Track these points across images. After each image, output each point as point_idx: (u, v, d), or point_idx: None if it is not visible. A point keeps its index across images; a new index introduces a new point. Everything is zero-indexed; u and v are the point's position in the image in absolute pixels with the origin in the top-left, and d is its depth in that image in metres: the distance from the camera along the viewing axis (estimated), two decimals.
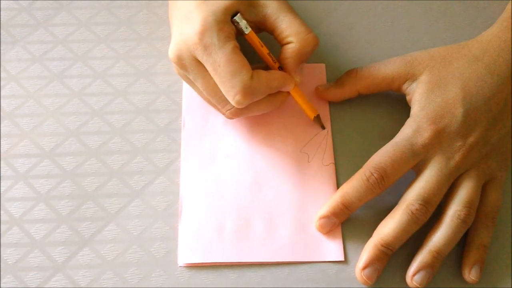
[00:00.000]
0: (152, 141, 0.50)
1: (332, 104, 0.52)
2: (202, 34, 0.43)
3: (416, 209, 0.44)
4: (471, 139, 0.45)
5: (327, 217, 0.46)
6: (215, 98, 0.46)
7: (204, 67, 0.45)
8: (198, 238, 0.46)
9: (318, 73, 0.53)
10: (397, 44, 0.55)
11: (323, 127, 0.50)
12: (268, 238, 0.46)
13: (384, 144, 0.46)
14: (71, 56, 0.54)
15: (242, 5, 0.46)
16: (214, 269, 0.46)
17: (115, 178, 0.49)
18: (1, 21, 0.56)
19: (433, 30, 0.56)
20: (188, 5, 0.45)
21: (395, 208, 0.45)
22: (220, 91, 0.45)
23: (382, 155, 0.45)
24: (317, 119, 0.50)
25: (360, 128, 0.51)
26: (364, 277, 0.44)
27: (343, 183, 0.47)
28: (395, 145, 0.45)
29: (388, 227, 0.44)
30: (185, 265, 0.46)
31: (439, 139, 0.45)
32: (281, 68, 0.48)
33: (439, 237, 0.44)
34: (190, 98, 0.52)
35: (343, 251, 0.46)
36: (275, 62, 0.48)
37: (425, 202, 0.44)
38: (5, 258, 0.46)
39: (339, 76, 0.51)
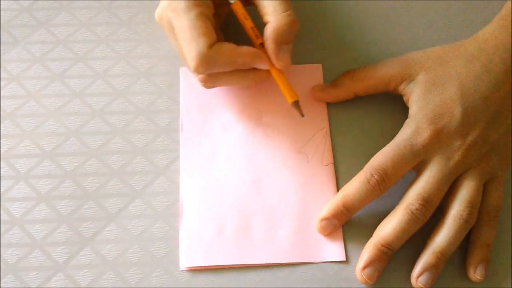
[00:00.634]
0: (152, 141, 0.50)
1: (330, 103, 0.52)
2: None
3: (416, 209, 0.44)
4: (470, 138, 0.45)
5: (328, 219, 0.46)
6: (184, 62, 0.47)
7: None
8: (199, 241, 0.46)
9: (314, 73, 0.53)
10: (396, 44, 0.55)
11: (302, 115, 0.48)
12: (268, 239, 0.46)
13: (383, 144, 0.46)
14: (71, 56, 0.54)
15: None
16: (214, 269, 0.46)
17: (116, 178, 0.49)
18: (2, 22, 0.56)
19: (432, 30, 0.56)
20: None
21: (395, 208, 0.45)
22: None
23: (383, 157, 0.45)
24: (296, 105, 0.48)
25: (359, 128, 0.51)
26: (364, 277, 0.44)
27: (342, 183, 0.47)
28: (395, 146, 0.45)
29: (388, 227, 0.44)
30: (187, 269, 0.46)
31: (438, 139, 0.45)
32: (262, 46, 0.47)
33: (442, 238, 0.44)
34: (188, 100, 0.52)
35: (344, 251, 0.46)
36: (257, 38, 0.47)
37: (425, 201, 0.44)
38: (5, 258, 0.46)
39: (336, 76, 0.51)
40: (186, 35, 0.44)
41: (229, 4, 0.47)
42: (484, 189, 0.46)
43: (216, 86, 0.49)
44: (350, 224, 0.47)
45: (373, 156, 0.46)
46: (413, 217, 0.44)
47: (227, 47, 0.45)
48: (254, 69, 0.47)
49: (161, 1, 0.47)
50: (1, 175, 0.49)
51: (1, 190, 0.48)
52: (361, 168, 0.46)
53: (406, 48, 0.54)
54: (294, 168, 0.49)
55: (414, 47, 0.54)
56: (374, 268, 0.44)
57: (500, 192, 0.47)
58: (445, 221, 0.45)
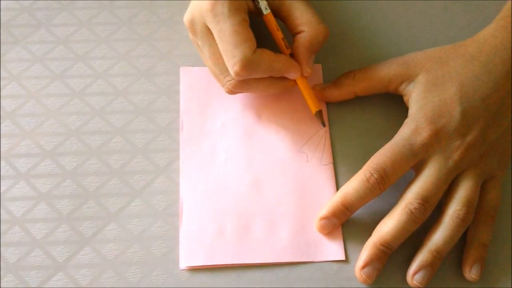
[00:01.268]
0: (152, 140, 0.51)
1: (330, 103, 0.52)
2: (215, 2, 0.45)
3: (415, 208, 0.44)
4: (469, 138, 0.45)
5: (327, 218, 0.46)
6: (218, 67, 0.47)
7: (212, 35, 0.46)
8: (199, 241, 0.46)
9: (314, 73, 0.53)
10: (396, 44, 0.55)
11: (323, 124, 0.50)
12: (269, 239, 0.46)
13: (382, 144, 0.46)
14: (72, 56, 0.54)
15: None
16: (214, 268, 0.46)
17: (116, 178, 0.49)
18: (2, 21, 0.56)
19: (432, 30, 0.56)
20: None
21: (394, 208, 0.45)
22: (223, 61, 0.46)
23: (382, 156, 0.45)
24: (319, 115, 0.50)
25: (359, 128, 0.51)
26: (363, 276, 0.44)
27: (342, 183, 0.47)
28: (394, 146, 0.45)
29: (387, 226, 0.44)
30: (187, 268, 0.46)
31: (437, 139, 0.45)
32: (292, 56, 0.49)
33: (439, 237, 0.44)
34: (188, 100, 0.52)
35: (344, 250, 0.46)
36: (287, 48, 0.49)
37: (424, 201, 0.44)
38: (6, 257, 0.46)
39: (336, 76, 0.51)
40: (230, 41, 0.45)
41: (262, 15, 0.48)
42: (482, 189, 0.46)
43: (241, 92, 0.49)
44: (349, 224, 0.47)
45: (372, 155, 0.46)
46: (412, 216, 0.44)
47: (268, 54, 0.46)
48: (282, 77, 0.49)
49: (193, 6, 0.47)
50: (1, 174, 0.49)
51: (1, 190, 0.48)
52: (360, 167, 0.46)
53: (406, 48, 0.55)
54: (294, 167, 0.49)
55: (414, 47, 0.54)
56: (373, 267, 0.44)
57: (498, 192, 0.47)
58: (442, 220, 0.45)
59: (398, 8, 0.57)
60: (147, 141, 0.50)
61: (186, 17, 0.48)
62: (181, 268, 0.46)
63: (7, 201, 0.48)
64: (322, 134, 0.51)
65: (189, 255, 0.46)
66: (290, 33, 0.49)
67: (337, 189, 0.48)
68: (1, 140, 0.50)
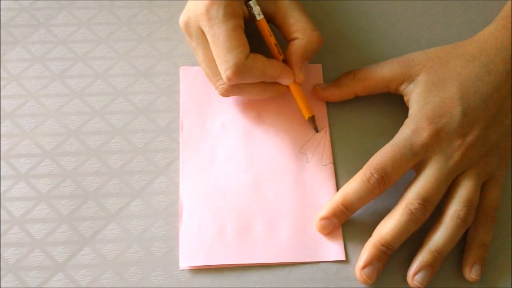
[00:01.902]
0: (152, 141, 0.50)
1: (330, 103, 0.52)
2: (210, 6, 0.45)
3: (416, 208, 0.44)
4: (469, 138, 0.45)
5: (327, 218, 0.46)
6: (211, 70, 0.48)
7: (206, 38, 0.46)
8: (199, 241, 0.46)
9: (314, 73, 0.53)
10: (396, 44, 0.55)
11: (316, 130, 0.50)
12: (269, 239, 0.46)
13: (382, 144, 0.46)
14: (71, 56, 0.54)
15: None
16: (214, 268, 0.46)
17: (116, 178, 0.49)
18: (2, 21, 0.56)
19: (432, 30, 0.56)
20: None
21: (394, 208, 0.45)
22: (216, 64, 0.46)
23: (382, 156, 0.45)
24: (312, 120, 0.50)
25: (359, 128, 0.51)
26: (364, 276, 0.44)
27: (342, 183, 0.47)
28: (394, 146, 0.45)
29: (388, 227, 0.44)
30: (187, 268, 0.46)
31: (438, 139, 0.45)
32: (285, 61, 0.49)
33: (439, 237, 0.44)
34: (188, 100, 0.52)
35: (344, 250, 0.46)
36: (280, 54, 0.49)
37: (424, 201, 0.44)
38: (5, 257, 0.46)
39: (336, 76, 0.51)
40: (223, 45, 0.45)
41: (256, 20, 0.48)
42: (482, 189, 0.46)
43: (234, 95, 0.49)
44: (349, 224, 0.47)
45: (372, 155, 0.46)
46: (412, 216, 0.44)
47: (261, 59, 0.46)
48: (275, 83, 0.49)
49: (189, 8, 0.47)
50: (1, 174, 0.49)
51: (1, 190, 0.48)
52: (360, 167, 0.46)
53: (406, 48, 0.55)
54: (294, 168, 0.49)
55: (414, 47, 0.54)
56: (374, 267, 0.44)
57: (499, 192, 0.47)
58: (442, 220, 0.45)
59: (398, 8, 0.57)
60: (147, 141, 0.50)
61: (182, 19, 0.48)
62: (181, 268, 0.46)
63: (7, 201, 0.48)
64: (322, 134, 0.51)
65: (189, 255, 0.46)
66: (284, 39, 0.49)
67: (337, 189, 0.48)
68: (1, 140, 0.50)
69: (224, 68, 0.45)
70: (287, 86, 0.49)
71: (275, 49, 0.49)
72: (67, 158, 0.50)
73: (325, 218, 0.46)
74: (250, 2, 0.47)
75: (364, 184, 0.45)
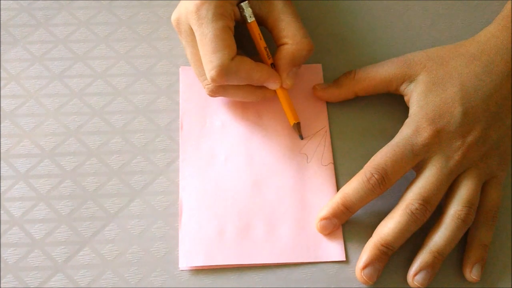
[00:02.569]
0: (152, 141, 0.50)
1: (330, 103, 0.52)
2: (201, 5, 0.45)
3: (416, 209, 0.44)
4: (470, 138, 0.45)
5: (327, 218, 0.46)
6: (198, 69, 0.48)
7: (195, 37, 0.46)
8: (199, 241, 0.46)
9: (314, 73, 0.53)
10: (396, 44, 0.55)
11: (301, 137, 0.50)
12: (269, 239, 0.46)
13: (383, 144, 0.46)
14: (71, 56, 0.54)
15: None
16: (214, 268, 0.46)
17: (115, 178, 0.49)
18: (1, 21, 0.56)
19: (432, 30, 0.56)
20: None
21: (395, 208, 0.45)
22: (202, 64, 0.46)
23: (383, 156, 0.45)
24: (297, 127, 0.50)
25: (359, 128, 0.51)
26: (364, 277, 0.44)
27: (342, 183, 0.47)
28: (395, 146, 0.45)
29: (388, 227, 0.44)
30: (186, 268, 0.46)
31: (438, 139, 0.45)
32: (274, 66, 0.49)
33: (439, 237, 0.44)
34: (188, 100, 0.52)
35: (344, 251, 0.46)
36: (269, 58, 0.49)
37: (424, 201, 0.44)
38: (5, 258, 0.46)
39: (336, 76, 0.51)
40: (209, 45, 0.45)
41: (246, 23, 0.48)
42: (483, 189, 0.46)
43: (220, 96, 0.49)
44: (350, 224, 0.47)
45: (372, 155, 0.46)
46: (412, 217, 0.44)
47: (247, 62, 0.46)
48: (262, 86, 0.49)
49: (181, 6, 0.47)
50: (1, 175, 0.49)
51: (1, 190, 0.48)
52: (361, 168, 0.46)
53: (406, 48, 0.55)
54: (294, 168, 0.49)
55: (414, 47, 0.54)
56: (374, 268, 0.44)
57: (499, 192, 0.47)
58: (443, 221, 0.45)
59: (398, 8, 0.57)
60: (147, 141, 0.50)
61: (173, 16, 0.48)
62: (180, 269, 0.46)
63: (6, 201, 0.48)
64: (322, 134, 0.51)
65: (189, 255, 0.46)
66: (275, 43, 0.49)
67: (338, 189, 0.48)
68: (1, 140, 0.50)
69: (209, 68, 0.45)
70: (274, 91, 0.49)
71: (264, 53, 0.49)
72: (66, 158, 0.50)
73: (325, 218, 0.46)
74: (242, 4, 0.47)
75: (364, 184, 0.45)
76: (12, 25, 0.55)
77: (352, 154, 0.50)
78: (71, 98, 0.52)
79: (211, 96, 0.49)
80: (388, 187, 0.45)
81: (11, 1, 0.57)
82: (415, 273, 0.44)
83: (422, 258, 0.44)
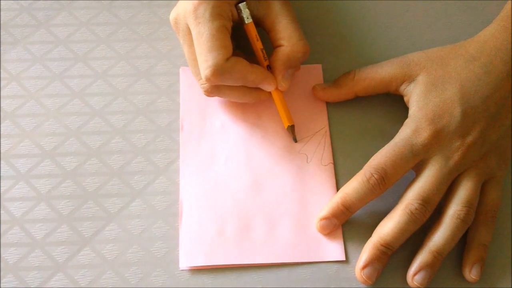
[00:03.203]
0: (152, 141, 0.50)
1: (330, 103, 0.52)
2: (198, 5, 0.45)
3: (416, 209, 0.44)
4: (469, 139, 0.45)
5: (327, 218, 0.46)
6: (193, 69, 0.48)
7: (192, 36, 0.46)
8: (199, 241, 0.46)
9: (314, 73, 0.53)
10: (396, 44, 0.55)
11: (295, 140, 0.50)
12: (269, 239, 0.46)
13: (383, 144, 0.46)
14: (71, 56, 0.54)
15: None
16: (214, 268, 0.46)
17: (116, 178, 0.49)
18: (2, 22, 0.56)
19: (432, 30, 0.56)
20: None
21: (394, 208, 0.45)
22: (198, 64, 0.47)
23: (382, 156, 0.45)
24: (291, 129, 0.50)
25: (359, 128, 0.51)
26: (364, 277, 0.44)
27: (342, 183, 0.47)
28: (394, 146, 0.45)
29: (388, 227, 0.44)
30: (187, 268, 0.46)
31: (438, 139, 0.45)
32: (270, 68, 0.49)
33: (439, 237, 0.44)
34: (188, 100, 0.52)
35: (344, 250, 0.46)
36: (265, 60, 0.49)
37: (424, 201, 0.44)
38: (5, 257, 0.46)
39: (336, 76, 0.51)
40: (205, 44, 0.45)
41: (244, 24, 0.48)
42: (482, 189, 0.46)
43: (216, 96, 0.49)
44: (350, 224, 0.47)
45: (372, 155, 0.46)
46: (412, 217, 0.44)
47: (242, 63, 0.46)
48: (257, 88, 0.49)
49: (179, 5, 0.47)
50: (1, 175, 0.49)
51: (1, 190, 0.48)
52: (360, 167, 0.46)
53: (406, 48, 0.55)
54: (294, 168, 0.49)
55: (414, 47, 0.54)
56: (374, 268, 0.44)
57: (499, 192, 0.47)
58: (442, 221, 0.45)
59: (398, 8, 0.57)
60: (147, 142, 0.50)
61: (172, 16, 0.48)
62: (181, 269, 0.46)
63: (7, 201, 0.48)
64: (322, 134, 0.51)
65: (189, 255, 0.46)
66: (272, 45, 0.49)
67: (337, 189, 0.48)
68: (1, 140, 0.50)
69: (203, 67, 0.45)
70: (270, 93, 0.49)
71: (260, 54, 0.49)
72: (67, 158, 0.50)
73: (325, 218, 0.46)
74: (240, 5, 0.47)
75: (364, 184, 0.45)
76: (12, 25, 0.56)
77: (352, 154, 0.50)
78: (72, 98, 0.52)
79: (207, 95, 0.49)
80: (387, 187, 0.45)
81: (12, 1, 0.57)
82: (414, 273, 0.44)
83: (422, 258, 0.44)
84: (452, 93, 0.46)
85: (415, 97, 0.47)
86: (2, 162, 0.49)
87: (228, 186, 0.48)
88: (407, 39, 0.55)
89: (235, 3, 0.47)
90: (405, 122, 0.47)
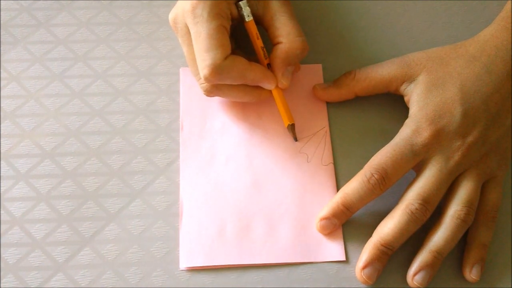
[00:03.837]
0: (152, 141, 0.50)
1: (330, 103, 0.52)
2: (196, 4, 0.45)
3: (416, 209, 0.44)
4: (470, 139, 0.45)
5: (327, 218, 0.46)
6: (192, 68, 0.48)
7: (191, 36, 0.46)
8: (199, 241, 0.46)
9: (314, 73, 0.53)
10: (396, 44, 0.55)
11: (295, 139, 0.50)
12: (269, 239, 0.46)
13: (383, 144, 0.46)
14: (71, 56, 0.54)
15: None
16: (214, 268, 0.46)
17: (116, 178, 0.49)
18: (2, 21, 0.56)
19: (432, 30, 0.56)
20: None
21: (395, 208, 0.45)
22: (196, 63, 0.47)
23: (383, 156, 0.45)
24: (291, 128, 0.49)
25: (359, 128, 0.51)
26: (364, 277, 0.44)
27: (342, 183, 0.47)
28: (395, 146, 0.45)
29: (388, 227, 0.44)
30: (187, 268, 0.46)
31: (438, 139, 0.45)
32: (270, 66, 0.49)
33: (439, 237, 0.44)
34: (188, 100, 0.52)
35: (344, 250, 0.46)
36: (266, 58, 0.49)
37: (424, 201, 0.44)
38: (5, 257, 0.46)
39: (336, 76, 0.51)
40: (204, 44, 0.45)
41: (244, 22, 0.48)
42: (482, 189, 0.46)
43: (215, 96, 0.49)
44: (350, 224, 0.47)
45: (373, 155, 0.46)
46: (412, 217, 0.44)
47: (241, 62, 0.46)
48: (258, 87, 0.49)
49: (178, 5, 0.47)
50: (1, 175, 0.49)
51: (1, 190, 0.48)
52: (361, 167, 0.46)
53: (406, 48, 0.55)
54: (294, 168, 0.49)
55: (414, 47, 0.54)
56: (374, 268, 0.44)
57: (499, 192, 0.47)
58: (442, 221, 0.45)
59: (398, 8, 0.57)
60: (147, 142, 0.50)
61: (171, 15, 0.48)
62: (181, 269, 0.46)
63: (7, 201, 0.48)
64: (322, 134, 0.51)
65: (189, 255, 0.46)
66: (271, 42, 0.49)
67: (338, 189, 0.48)
68: (1, 140, 0.50)
69: (202, 66, 0.45)
70: (270, 91, 0.49)
71: (261, 52, 0.49)
72: (67, 158, 0.50)
73: (325, 218, 0.46)
74: (240, 3, 0.47)
75: (364, 184, 0.45)
76: (12, 25, 0.56)
77: (352, 154, 0.50)
78: (72, 98, 0.52)
79: (207, 95, 0.49)
80: (388, 187, 0.45)
81: (12, 1, 0.57)
82: (414, 273, 0.44)
83: (422, 258, 0.44)
84: (452, 93, 0.46)
85: (416, 97, 0.47)
86: (2, 162, 0.49)
87: (228, 186, 0.48)
88: (407, 39, 0.55)
89: (234, 1, 0.47)
90: (405, 122, 0.47)
